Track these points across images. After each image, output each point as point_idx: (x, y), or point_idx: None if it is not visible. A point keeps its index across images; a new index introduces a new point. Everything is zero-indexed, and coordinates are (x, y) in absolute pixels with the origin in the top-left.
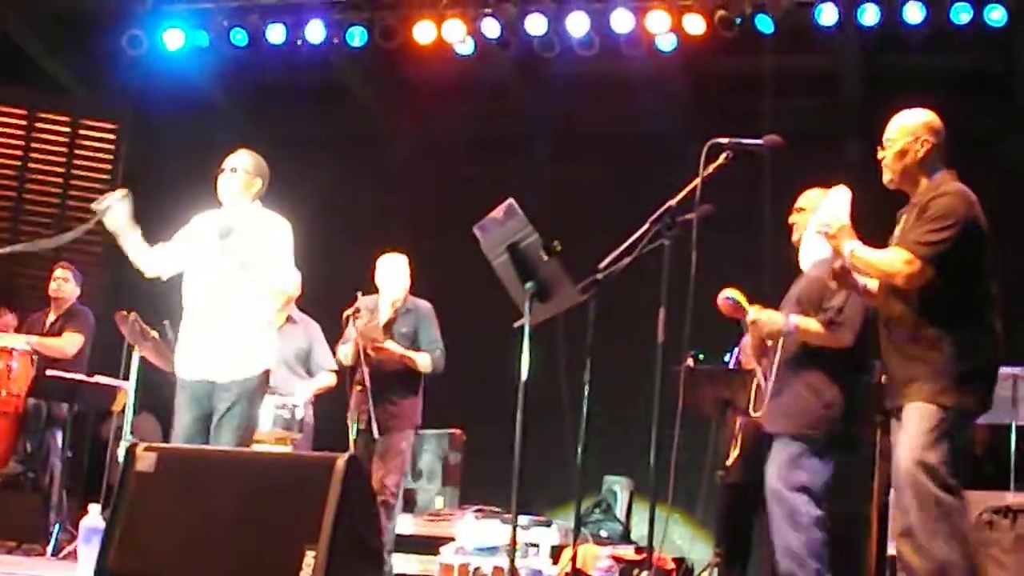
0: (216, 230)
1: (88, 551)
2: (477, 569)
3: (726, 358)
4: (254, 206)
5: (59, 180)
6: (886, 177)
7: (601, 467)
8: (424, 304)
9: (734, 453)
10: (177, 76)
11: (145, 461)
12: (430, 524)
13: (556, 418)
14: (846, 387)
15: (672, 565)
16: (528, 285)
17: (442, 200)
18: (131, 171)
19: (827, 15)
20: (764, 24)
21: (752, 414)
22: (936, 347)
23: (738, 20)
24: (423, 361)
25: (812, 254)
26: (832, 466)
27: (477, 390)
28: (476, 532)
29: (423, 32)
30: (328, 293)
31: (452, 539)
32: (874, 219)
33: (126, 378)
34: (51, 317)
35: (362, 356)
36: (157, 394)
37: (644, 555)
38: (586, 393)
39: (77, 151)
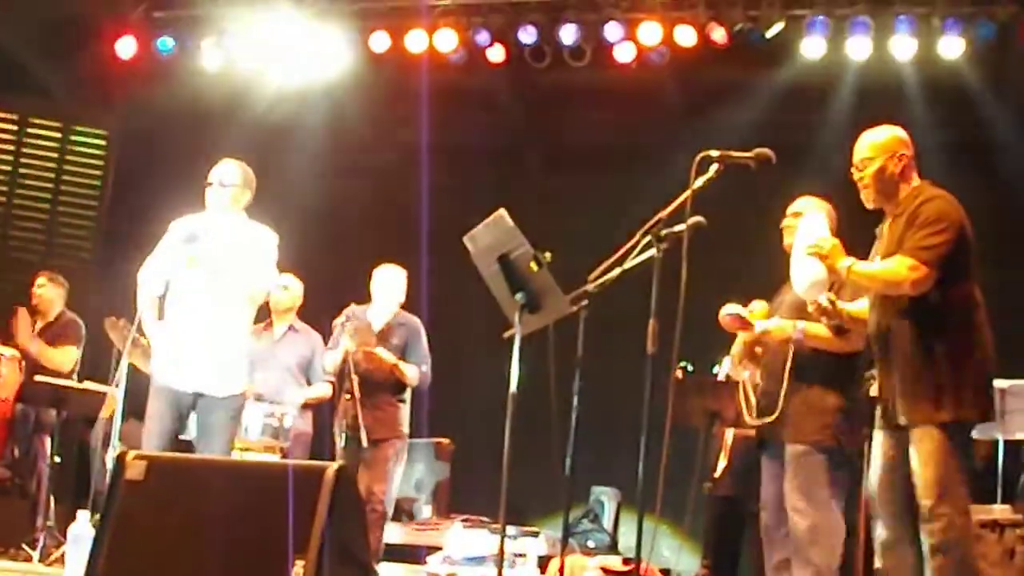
0: (183, 237)
1: (76, 557)
2: None
3: (715, 369)
4: (241, 216)
5: (49, 187)
6: (866, 198)
7: (589, 478)
8: (414, 320)
9: (722, 465)
10: (168, 83)
11: (135, 469)
12: (418, 533)
13: (545, 428)
14: (849, 395)
15: None
16: (518, 296)
17: (432, 210)
18: (121, 178)
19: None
20: (755, 36)
21: (749, 420)
22: (936, 359)
23: (758, 35)
24: (411, 373)
25: (805, 276)
26: (848, 475)
27: (466, 400)
28: (464, 542)
29: (415, 41)
30: (316, 303)
31: (440, 549)
32: (856, 235)
33: (115, 384)
34: (39, 325)
35: (351, 364)
36: (146, 401)
37: (632, 566)
38: (575, 404)
39: (68, 158)
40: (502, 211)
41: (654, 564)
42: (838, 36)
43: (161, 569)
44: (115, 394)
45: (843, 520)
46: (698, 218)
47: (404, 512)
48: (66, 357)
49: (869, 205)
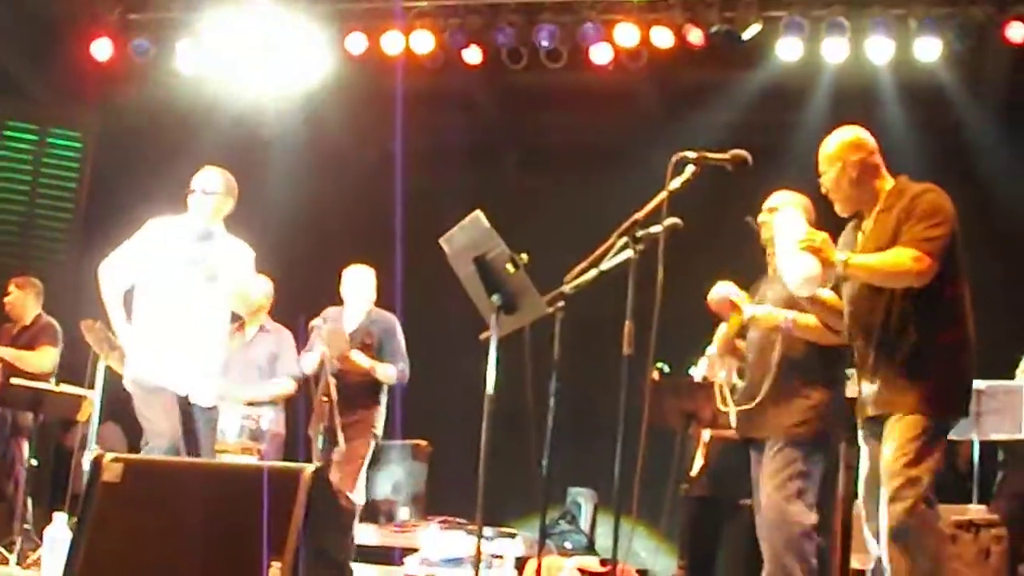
0: (194, 237)
1: (53, 560)
2: None
3: (691, 371)
4: (220, 226)
5: (26, 188)
6: (837, 208)
7: (566, 479)
8: (389, 317)
9: (698, 465)
10: (144, 85)
11: (112, 471)
12: (395, 535)
13: (522, 430)
14: (832, 390)
15: None
16: (495, 297)
17: (409, 211)
18: (98, 181)
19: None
20: (732, 37)
21: (723, 408)
22: (921, 354)
23: (734, 37)
24: (387, 373)
25: (798, 271)
26: (822, 470)
27: (443, 401)
28: (441, 543)
29: (391, 43)
30: (294, 304)
31: (417, 550)
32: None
33: (91, 387)
34: (15, 330)
35: (327, 366)
36: (122, 404)
37: (608, 567)
38: (552, 405)
39: (44, 160)
40: (478, 212)
41: (631, 565)
42: (814, 38)
43: (138, 571)
44: (92, 397)
45: (812, 515)
46: (674, 219)
47: (381, 514)
48: (45, 358)
49: (843, 214)
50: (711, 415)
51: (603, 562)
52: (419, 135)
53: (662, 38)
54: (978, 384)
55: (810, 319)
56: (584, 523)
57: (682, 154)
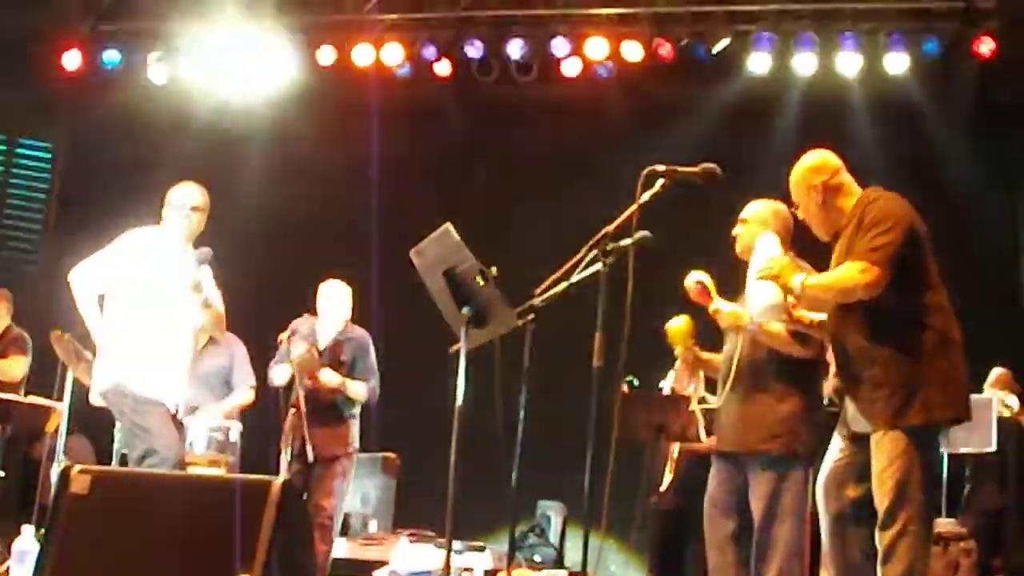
0: (196, 257)
1: (20, 572)
2: None
3: (661, 384)
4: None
5: None
6: (817, 233)
7: (535, 492)
8: (361, 333)
9: (668, 479)
10: (114, 96)
11: (79, 483)
12: (364, 548)
13: (491, 443)
14: (805, 402)
15: None
16: (464, 310)
17: (379, 224)
18: (67, 191)
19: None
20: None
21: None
22: (889, 365)
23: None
24: (358, 391)
25: (759, 301)
26: (806, 478)
27: (412, 414)
28: (410, 556)
29: (361, 55)
30: (263, 315)
31: (386, 563)
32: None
33: (60, 399)
34: None
35: (297, 379)
36: (90, 415)
37: None
38: (521, 418)
39: (13, 170)
40: (448, 225)
41: None
42: (784, 52)
43: None
44: (60, 408)
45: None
46: (644, 233)
47: (350, 526)
48: (16, 367)
49: (823, 239)
50: (680, 428)
51: (572, 575)
52: (389, 147)
53: (632, 52)
54: None
55: (777, 326)
56: (553, 536)
57: (652, 168)
